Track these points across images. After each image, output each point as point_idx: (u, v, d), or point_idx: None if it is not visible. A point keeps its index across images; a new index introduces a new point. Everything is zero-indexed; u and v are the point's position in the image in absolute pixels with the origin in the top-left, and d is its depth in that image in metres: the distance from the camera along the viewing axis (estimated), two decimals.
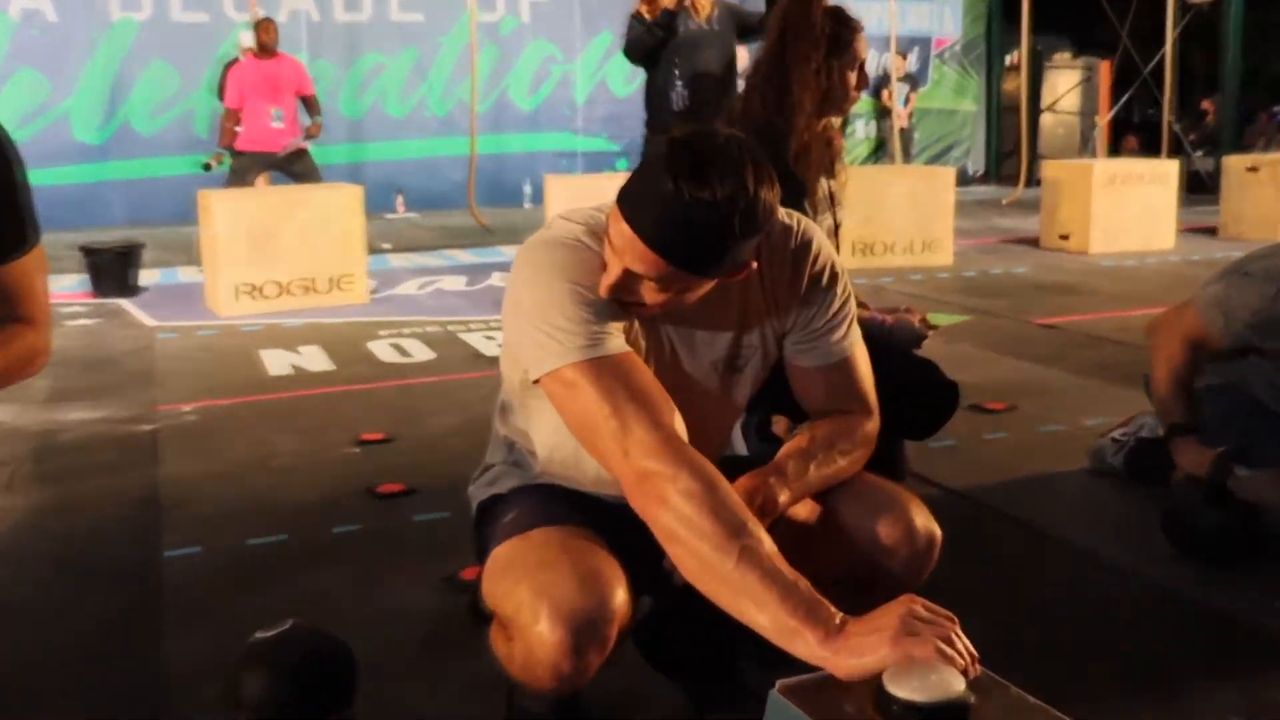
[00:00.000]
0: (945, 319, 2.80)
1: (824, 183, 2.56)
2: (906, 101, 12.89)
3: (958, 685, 1.14)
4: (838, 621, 1.26)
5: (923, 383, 2.49)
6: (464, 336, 5.10)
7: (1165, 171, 8.00)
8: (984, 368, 4.30)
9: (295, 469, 3.23)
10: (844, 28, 2.49)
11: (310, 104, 7.33)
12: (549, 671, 1.43)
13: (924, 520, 1.59)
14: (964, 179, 13.19)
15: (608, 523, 1.59)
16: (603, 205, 1.59)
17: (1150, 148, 12.88)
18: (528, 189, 11.36)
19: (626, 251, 1.43)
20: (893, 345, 2.51)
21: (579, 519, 1.58)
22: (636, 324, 1.54)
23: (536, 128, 11.62)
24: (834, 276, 1.66)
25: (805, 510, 1.63)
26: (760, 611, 1.28)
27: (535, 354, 1.47)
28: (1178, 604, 2.29)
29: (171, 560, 2.59)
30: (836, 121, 2.58)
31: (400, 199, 10.95)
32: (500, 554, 1.56)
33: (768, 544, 1.33)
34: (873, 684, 1.18)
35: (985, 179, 14.51)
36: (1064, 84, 14.32)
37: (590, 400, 1.43)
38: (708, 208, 1.37)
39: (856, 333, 1.70)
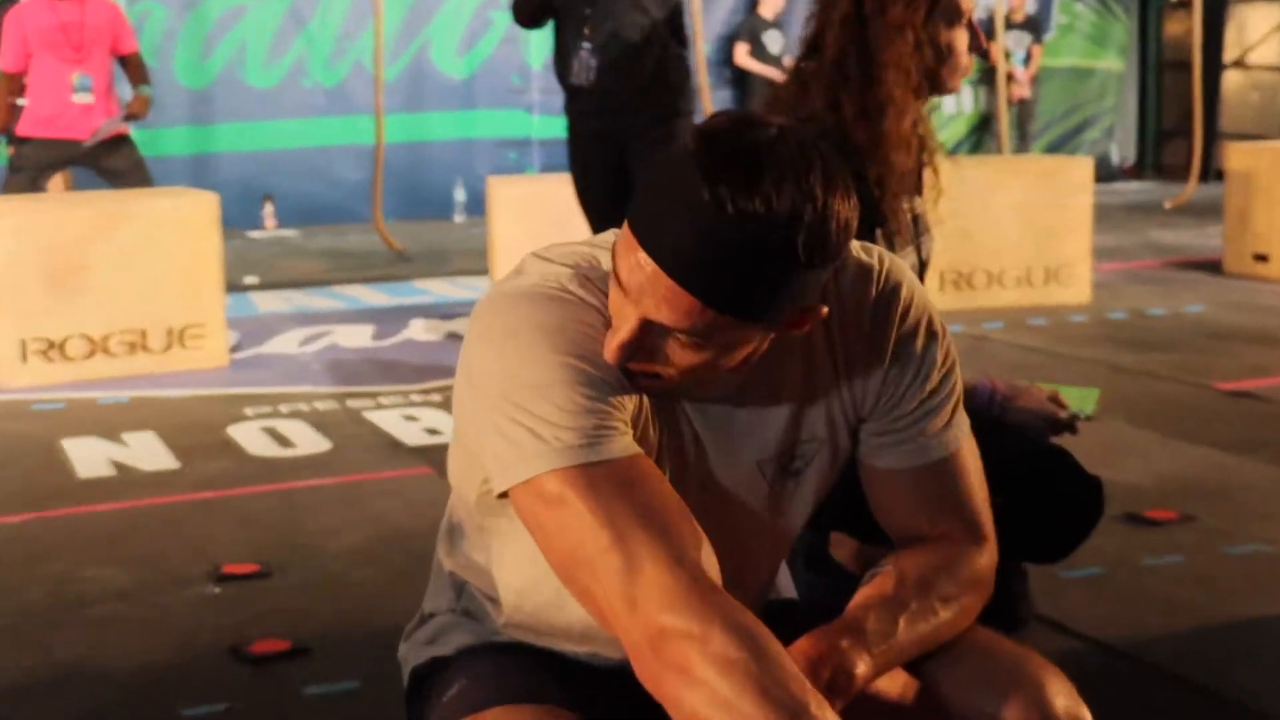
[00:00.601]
0: (1076, 395, 2.87)
1: (906, 202, 2.65)
2: (1027, 60, 13.08)
3: None
4: None
5: (1053, 480, 2.55)
6: (372, 416, 5.16)
7: None
8: (1141, 456, 4.38)
9: (122, 620, 3.26)
10: None
11: (132, 67, 7.27)
12: None
13: (1067, 702, 1.60)
14: (1106, 172, 13.43)
15: (599, 700, 1.62)
16: (597, 239, 1.65)
17: None
18: (460, 195, 11.54)
19: (646, 294, 1.45)
20: (1009, 428, 2.57)
21: (555, 695, 1.62)
22: (648, 408, 1.58)
23: (472, 104, 11.83)
24: (932, 337, 1.70)
25: (894, 685, 1.66)
26: None
27: (504, 455, 1.50)
28: None
29: None
30: (926, 108, 2.68)
31: (269, 209, 11.13)
32: None
33: None
34: None
35: (1138, 172, 14.77)
36: (1261, 25, 14.51)
37: (582, 524, 1.45)
38: (761, 225, 1.40)
39: (963, 421, 1.74)
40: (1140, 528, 3.74)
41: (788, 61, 12.01)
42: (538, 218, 6.49)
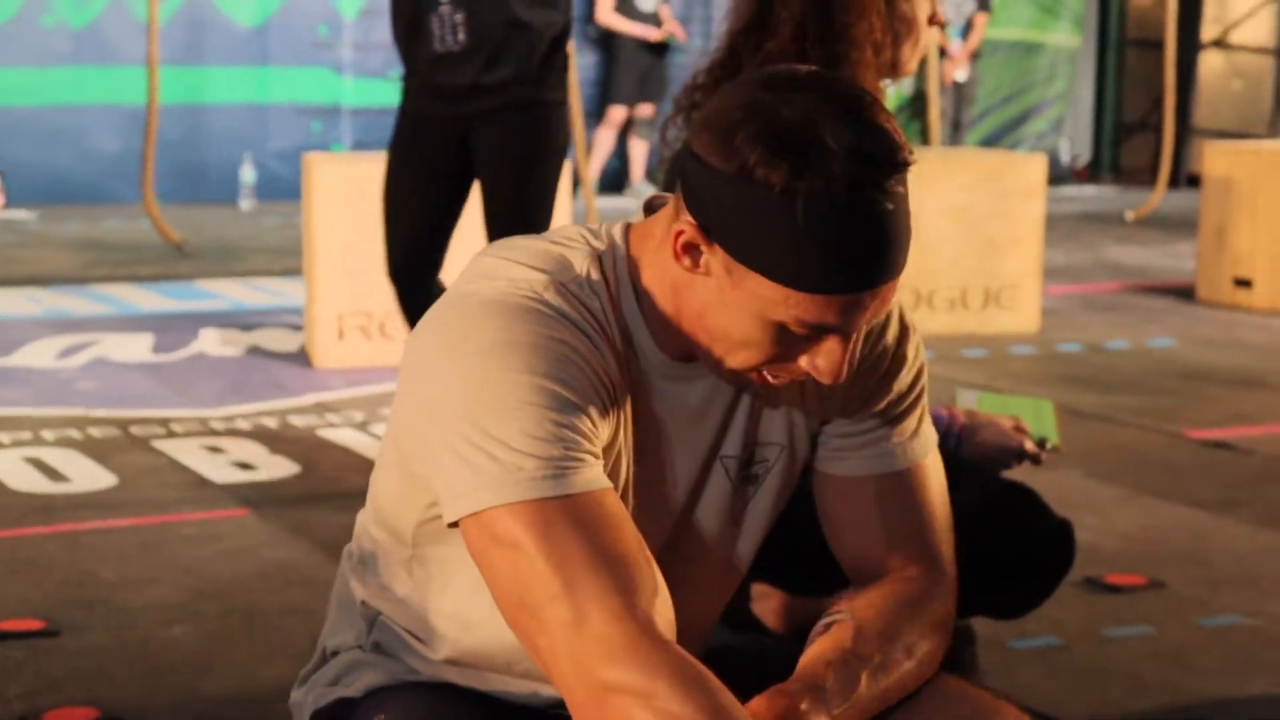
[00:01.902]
0: (1031, 410, 3.18)
1: None
2: (967, 31, 13.42)
3: None
4: None
5: (1013, 524, 2.86)
6: (163, 446, 5.35)
7: None
8: (1102, 515, 4.71)
9: None
10: None
11: None
12: None
13: None
14: (1055, 173, 13.77)
15: None
16: (560, 235, 1.91)
17: None
18: (248, 174, 11.73)
19: (864, 311, 1.74)
20: (966, 461, 2.88)
21: None
22: (626, 420, 1.85)
23: (264, 59, 12.02)
24: (902, 331, 2.01)
25: None
26: None
27: (458, 482, 1.74)
28: None
29: None
30: (885, 86, 2.98)
31: None
32: None
33: None
34: None
35: (1093, 174, 15.21)
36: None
37: (533, 568, 1.68)
38: (887, 176, 1.71)
39: (931, 435, 2.05)
40: (1102, 594, 4.05)
41: (664, 14, 12.32)
42: (367, 206, 6.64)
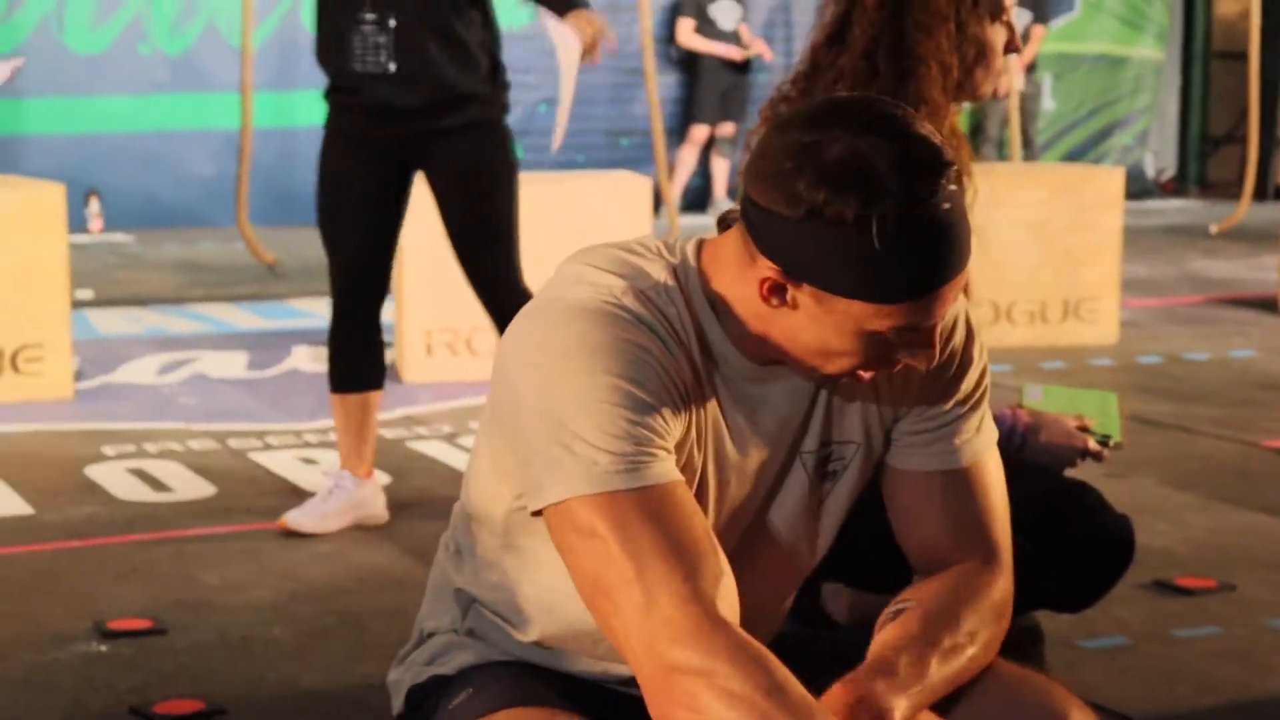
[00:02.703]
0: (1096, 405, 3.26)
1: None
2: (1023, 43, 13.30)
3: None
4: None
5: (1075, 519, 2.95)
6: (259, 458, 5.50)
7: None
8: (1175, 521, 4.78)
9: (1, 680, 3.58)
10: None
11: None
12: None
13: None
14: (1140, 187, 13.81)
15: (608, 715, 1.99)
16: (637, 244, 2.02)
17: None
18: None
19: (942, 308, 1.88)
20: (1027, 460, 2.97)
21: (564, 704, 1.99)
22: (700, 420, 1.97)
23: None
24: (969, 335, 2.13)
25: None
26: None
27: (541, 472, 1.86)
28: None
29: None
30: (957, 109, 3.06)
31: (94, 207, 11.34)
32: None
33: None
34: None
35: (1179, 187, 15.14)
36: None
37: (608, 555, 1.82)
38: (940, 182, 1.83)
39: (992, 434, 2.16)
40: (1171, 596, 4.13)
41: (744, 33, 12.39)
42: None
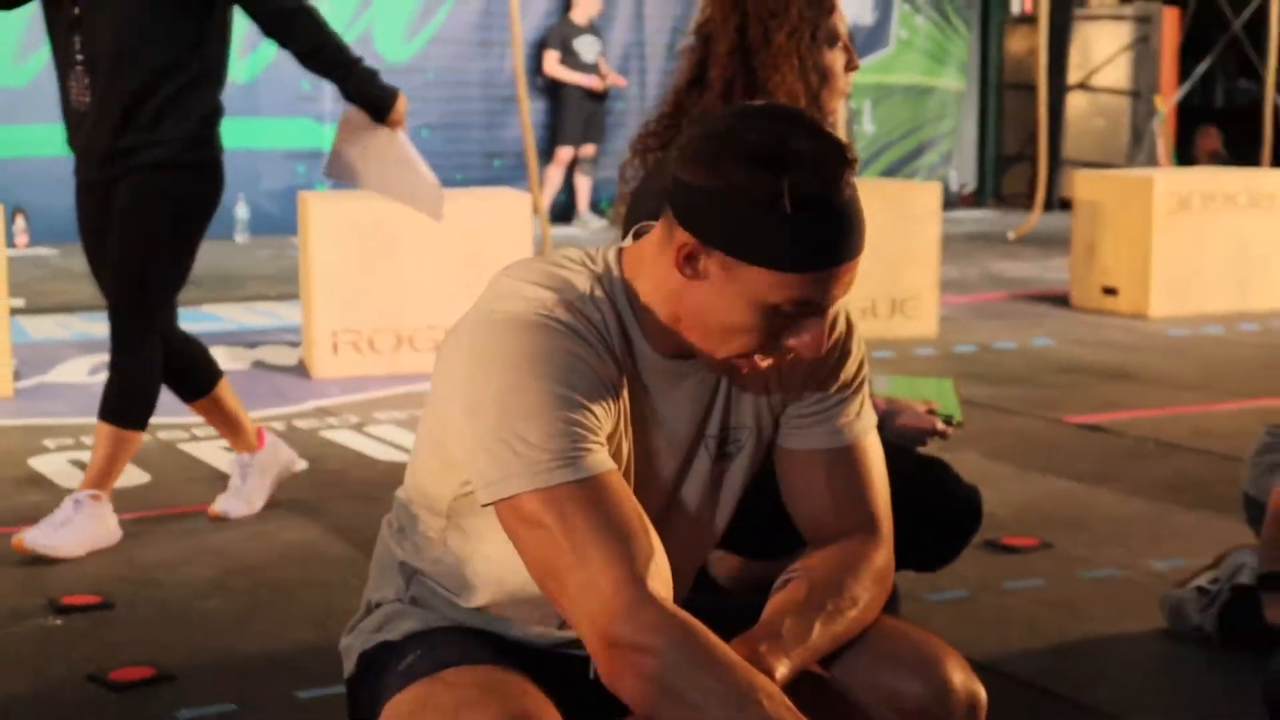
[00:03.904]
0: (934, 390, 3.31)
1: None
2: None
3: None
4: None
5: (930, 490, 3.00)
6: (189, 449, 5.45)
7: (1270, 189, 8.76)
8: (998, 488, 4.83)
9: None
10: (817, 2, 3.02)
11: None
12: None
13: (963, 677, 2.01)
14: (947, 199, 13.92)
15: (547, 673, 1.99)
16: (562, 258, 2.04)
17: (1242, 149, 13.49)
18: (242, 212, 11.75)
19: (839, 287, 1.90)
20: (886, 442, 3.00)
21: (507, 662, 1.99)
22: (625, 412, 2.00)
23: (257, 110, 12.03)
24: (849, 330, 2.16)
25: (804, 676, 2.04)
26: None
27: (488, 471, 1.89)
28: None
29: None
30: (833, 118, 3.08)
31: (20, 224, 11.19)
32: (400, 703, 1.95)
33: (775, 704, 1.77)
34: None
35: (978, 199, 15.40)
36: (1106, 45, 15.15)
37: (552, 544, 1.85)
38: (844, 170, 1.87)
39: (871, 419, 2.20)
40: (1001, 554, 4.22)
41: (602, 65, 12.44)
42: (355, 238, 6.75)
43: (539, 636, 2.12)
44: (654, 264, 1.97)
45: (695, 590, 3.26)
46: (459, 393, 1.93)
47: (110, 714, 3.20)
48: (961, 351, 7.54)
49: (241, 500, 4.57)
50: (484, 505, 1.92)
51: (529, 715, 1.86)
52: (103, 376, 6.50)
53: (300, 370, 6.92)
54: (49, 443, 5.48)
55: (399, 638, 2.11)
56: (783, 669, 1.92)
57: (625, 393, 1.99)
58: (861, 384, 2.17)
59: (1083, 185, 8.96)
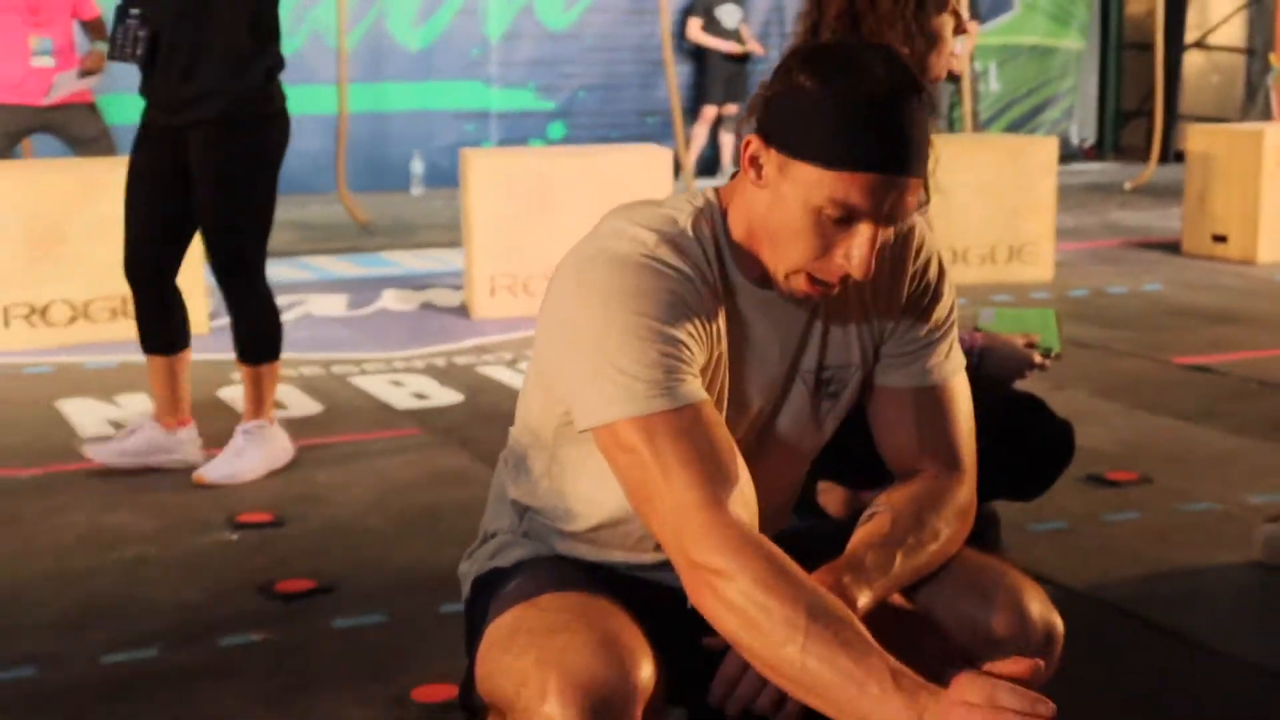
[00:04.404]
0: (1037, 321, 3.21)
1: None
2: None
3: None
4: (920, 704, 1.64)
5: (1026, 424, 2.92)
6: (358, 382, 5.49)
7: None
8: (1104, 425, 4.76)
9: (153, 561, 3.59)
10: None
11: (93, 29, 7.35)
12: None
13: (1042, 608, 1.97)
14: (1067, 153, 13.68)
15: (640, 598, 1.95)
16: (668, 201, 1.99)
17: None
18: (418, 165, 11.82)
19: (885, 202, 1.81)
20: (983, 375, 2.92)
21: (603, 589, 1.95)
22: (722, 345, 1.94)
23: (429, 75, 12.08)
24: (941, 273, 2.08)
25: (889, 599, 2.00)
26: (839, 706, 1.68)
27: (587, 396, 1.85)
28: None
29: None
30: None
31: None
32: (500, 624, 1.92)
33: (839, 625, 1.71)
34: None
35: (1098, 153, 15.10)
36: (1222, 5, 14.80)
37: (645, 468, 1.81)
38: (920, 96, 1.81)
39: (960, 361, 2.12)
40: (1102, 488, 4.11)
41: (744, 31, 12.32)
42: (512, 189, 6.76)
43: (638, 561, 2.08)
44: (740, 185, 1.93)
45: (801, 517, 3.23)
46: (562, 326, 1.89)
47: (275, 622, 3.23)
48: (1076, 295, 7.36)
49: (231, 467, 4.25)
50: (581, 431, 1.88)
51: (615, 639, 1.81)
52: (288, 316, 6.65)
53: (462, 311, 6.93)
54: (236, 375, 5.51)
55: (509, 564, 2.10)
56: (864, 599, 1.87)
57: (722, 325, 1.94)
58: (951, 327, 2.10)
59: (1196, 138, 8.73)
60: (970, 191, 7.58)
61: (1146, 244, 9.08)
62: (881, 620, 1.89)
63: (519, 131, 12.10)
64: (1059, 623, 1.98)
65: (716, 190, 2.00)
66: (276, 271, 7.97)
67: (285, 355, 5.80)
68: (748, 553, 1.76)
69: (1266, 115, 13.91)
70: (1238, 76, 14.59)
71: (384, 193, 11.28)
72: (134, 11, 4.14)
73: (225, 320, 6.57)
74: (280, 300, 7.08)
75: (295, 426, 4.79)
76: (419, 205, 10.97)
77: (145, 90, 4.25)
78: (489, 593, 2.07)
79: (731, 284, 1.95)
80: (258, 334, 4.37)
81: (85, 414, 5.01)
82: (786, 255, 1.88)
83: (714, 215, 1.96)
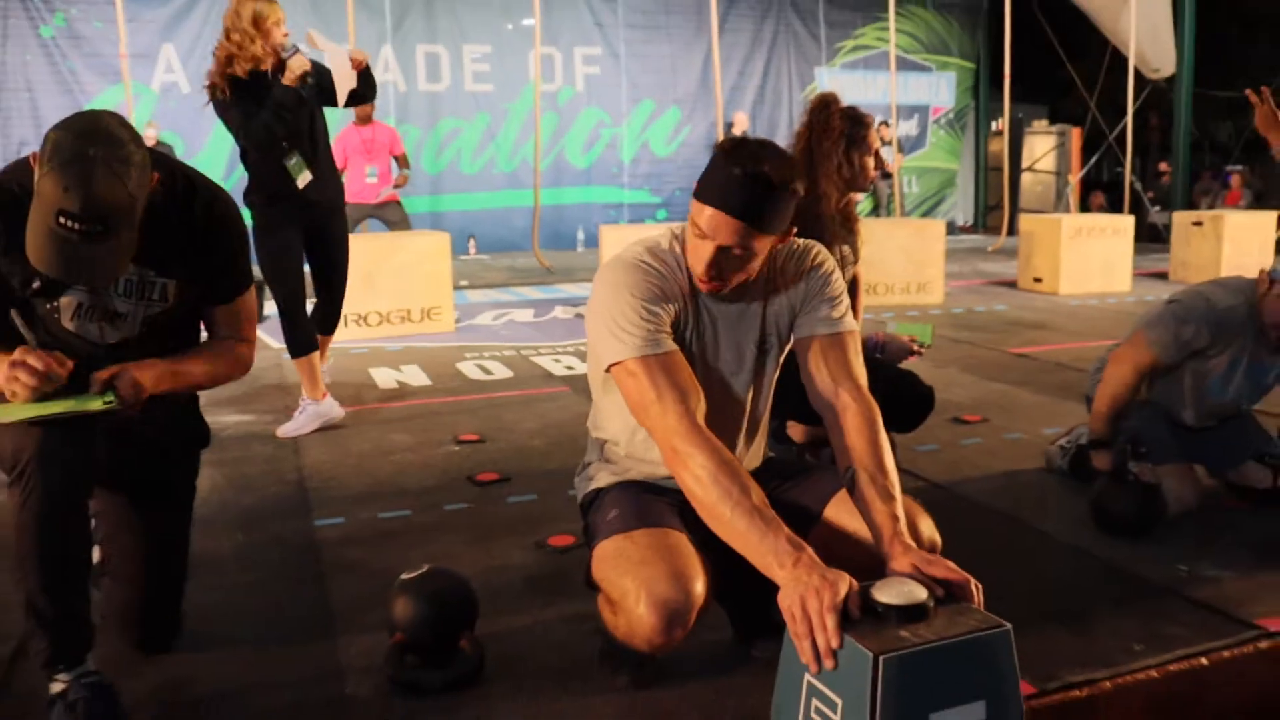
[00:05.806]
0: (919, 330, 3.08)
1: (838, 246, 2.88)
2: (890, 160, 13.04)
3: (921, 594, 1.46)
4: (799, 557, 1.53)
5: (905, 387, 2.79)
6: (535, 359, 5.42)
7: (1123, 225, 8.26)
8: (965, 387, 4.58)
9: (410, 461, 3.57)
10: (859, 125, 2.78)
11: (400, 160, 7.54)
12: (644, 642, 1.74)
13: (929, 530, 1.80)
14: (953, 229, 13.41)
15: (689, 516, 1.84)
16: (660, 231, 1.90)
17: (1116, 204, 13.12)
18: (581, 235, 11.73)
19: (719, 230, 1.71)
20: (883, 358, 2.81)
21: (670, 522, 1.85)
22: (689, 316, 1.84)
23: (589, 182, 11.99)
24: (831, 270, 1.91)
25: (836, 521, 1.85)
26: (747, 547, 1.59)
27: (608, 346, 1.78)
28: (1098, 564, 2.60)
29: (321, 528, 2.94)
30: (858, 196, 2.87)
31: (473, 243, 11.31)
32: (608, 547, 1.84)
33: (756, 499, 1.61)
34: (863, 595, 1.49)
35: (972, 229, 14.67)
36: (1041, 147, 14.57)
37: (643, 389, 1.73)
38: (764, 176, 1.68)
39: (851, 321, 1.90)
40: (959, 425, 3.94)
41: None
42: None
43: (665, 474, 1.94)
44: None
45: (776, 445, 3.11)
46: (593, 305, 1.82)
47: (473, 497, 3.19)
48: (956, 312, 7.07)
49: (295, 425, 3.86)
50: (605, 371, 1.79)
51: (683, 573, 1.72)
52: (500, 321, 6.65)
53: None
54: (468, 355, 5.53)
55: (603, 486, 1.98)
56: (903, 522, 1.67)
57: (689, 307, 1.84)
58: (840, 300, 1.91)
59: (1027, 222, 8.41)
60: (895, 250, 7.37)
61: (998, 283, 8.74)
62: (820, 537, 1.77)
63: (639, 215, 12.00)
64: (939, 540, 1.81)
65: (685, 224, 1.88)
66: (495, 295, 8.04)
67: (495, 344, 5.82)
68: (707, 446, 1.67)
69: (1065, 209, 13.49)
70: (1051, 187, 14.26)
71: (560, 250, 11.25)
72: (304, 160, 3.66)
73: (467, 322, 6.67)
74: (496, 312, 7.17)
75: (498, 384, 4.77)
76: (580, 258, 10.89)
77: (295, 202, 3.70)
78: (594, 509, 1.97)
79: (693, 284, 1.85)
80: (295, 339, 3.81)
81: (383, 375, 5.01)
82: (696, 266, 1.80)
83: (682, 239, 1.86)
